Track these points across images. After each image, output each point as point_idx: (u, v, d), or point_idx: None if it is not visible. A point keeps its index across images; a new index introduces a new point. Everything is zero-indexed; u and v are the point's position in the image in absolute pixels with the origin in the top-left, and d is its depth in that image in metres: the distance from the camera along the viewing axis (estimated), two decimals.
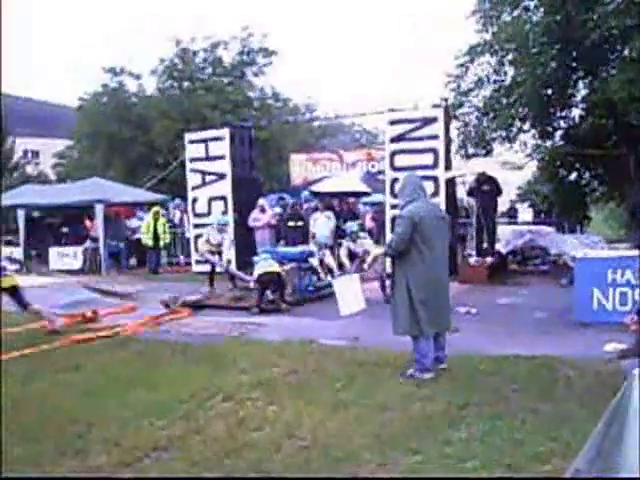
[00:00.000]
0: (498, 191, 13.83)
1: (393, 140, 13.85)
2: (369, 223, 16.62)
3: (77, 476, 4.14)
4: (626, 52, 13.13)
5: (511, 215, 22.13)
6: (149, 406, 5.44)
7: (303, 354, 7.10)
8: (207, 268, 13.59)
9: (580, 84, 16.20)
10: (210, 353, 7.36)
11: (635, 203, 15.35)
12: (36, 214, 20.22)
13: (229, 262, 12.95)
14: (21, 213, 19.11)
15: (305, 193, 16.18)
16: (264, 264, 10.69)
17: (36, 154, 48.71)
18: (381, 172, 17.19)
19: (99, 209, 17.81)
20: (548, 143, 18.06)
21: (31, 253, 19.23)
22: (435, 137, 13.37)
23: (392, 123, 13.94)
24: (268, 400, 5.48)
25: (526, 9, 15.93)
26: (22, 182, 29.69)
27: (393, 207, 13.31)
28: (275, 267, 10.63)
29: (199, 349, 7.61)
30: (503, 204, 19.70)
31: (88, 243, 18.43)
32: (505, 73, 17.22)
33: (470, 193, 14.29)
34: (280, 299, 10.55)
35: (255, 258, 11.33)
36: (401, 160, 13.51)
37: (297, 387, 5.86)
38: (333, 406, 5.26)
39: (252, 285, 10.89)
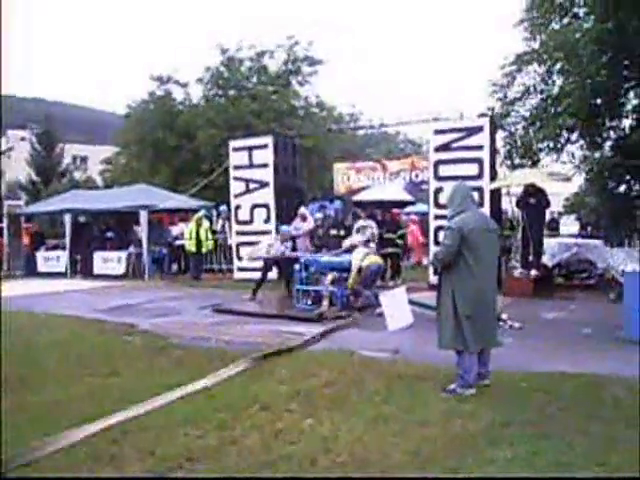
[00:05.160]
0: (546, 203, 13.52)
1: (437, 149, 13.72)
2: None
3: (77, 476, 4.10)
4: None
5: (552, 227, 21.67)
6: (185, 415, 5.39)
7: (342, 365, 6.99)
8: (254, 275, 13.49)
9: (631, 93, 15.84)
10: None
11: None
12: (82, 219, 20.52)
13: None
14: (67, 218, 19.43)
15: (337, 202, 16.09)
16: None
17: (84, 160, 49.58)
18: (425, 182, 17.04)
19: (143, 215, 18.00)
20: (597, 154, 17.70)
21: (76, 257, 19.50)
22: (480, 147, 13.21)
23: (437, 132, 13.81)
24: (305, 412, 5.39)
25: (576, 17, 15.69)
26: (71, 187, 30.27)
27: (437, 217, 13.17)
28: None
29: (238, 357, 7.55)
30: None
31: (132, 248, 18.63)
32: (553, 82, 16.96)
33: (518, 204, 14.03)
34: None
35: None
36: (445, 170, 13.38)
37: (335, 399, 5.75)
38: (372, 420, 5.14)
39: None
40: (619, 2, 13.15)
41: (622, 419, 5.02)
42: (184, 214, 20.63)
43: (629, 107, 16.23)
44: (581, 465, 4.16)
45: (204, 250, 17.46)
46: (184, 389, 6.08)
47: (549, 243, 14.85)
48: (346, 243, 12.14)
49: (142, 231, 18.13)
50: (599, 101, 15.48)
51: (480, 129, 13.33)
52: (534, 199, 13.12)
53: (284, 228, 13.53)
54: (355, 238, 12.32)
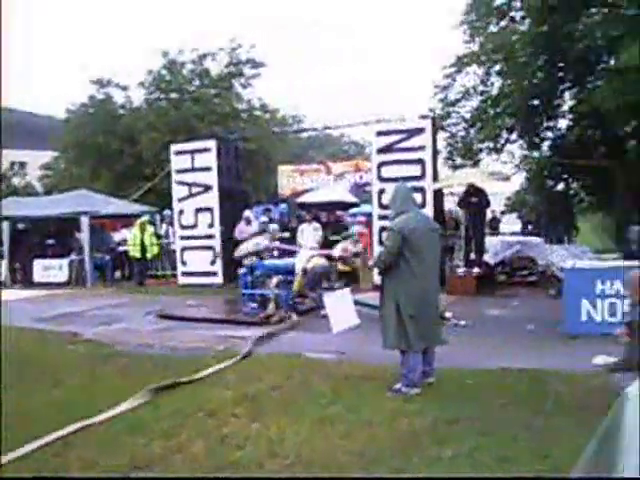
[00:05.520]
0: (486, 203, 13.76)
1: (380, 151, 13.80)
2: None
3: (77, 476, 4.07)
4: (612, 63, 13.15)
5: (494, 226, 22.02)
6: (130, 424, 5.29)
7: (289, 368, 6.97)
8: (199, 280, 13.23)
9: (567, 94, 16.26)
10: (194, 368, 7.21)
11: (622, 214, 15.35)
12: (21, 226, 19.98)
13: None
14: (6, 225, 18.89)
15: (282, 205, 16.04)
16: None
17: (22, 166, 48.31)
18: (369, 183, 17.13)
19: (85, 221, 17.63)
20: (535, 154, 18.11)
21: (15, 266, 18.98)
22: (422, 148, 13.32)
23: (379, 134, 13.89)
24: (252, 416, 5.35)
25: (513, 20, 16.00)
26: (9, 194, 29.44)
27: (381, 218, 13.25)
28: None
29: (183, 363, 7.46)
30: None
31: (74, 255, 18.22)
32: (492, 84, 17.29)
33: (460, 204, 14.25)
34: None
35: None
36: (388, 171, 13.46)
37: (282, 402, 5.73)
38: (318, 422, 5.14)
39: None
40: (553, 6, 13.46)
41: (563, 414, 5.13)
42: (127, 220, 20.28)
43: (565, 108, 16.64)
44: (525, 459, 4.23)
45: (149, 255, 17.20)
46: (128, 399, 5.96)
47: (491, 241, 15.10)
48: (337, 248, 12.15)
49: (84, 238, 17.75)
50: (537, 102, 15.84)
51: (421, 130, 13.44)
52: (475, 198, 13.34)
53: (274, 227, 13.34)
54: (346, 245, 12.39)
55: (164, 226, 18.94)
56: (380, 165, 13.79)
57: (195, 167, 16.06)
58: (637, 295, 5.02)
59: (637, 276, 5.13)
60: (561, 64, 14.91)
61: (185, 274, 16.23)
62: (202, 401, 5.82)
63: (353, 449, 4.54)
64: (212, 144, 16.10)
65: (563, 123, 17.15)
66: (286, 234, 14.07)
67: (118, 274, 19.05)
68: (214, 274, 15.71)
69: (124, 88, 30.50)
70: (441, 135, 17.13)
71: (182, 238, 16.39)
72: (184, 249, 16.26)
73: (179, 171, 16.37)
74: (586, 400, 5.28)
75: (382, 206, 13.31)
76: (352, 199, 19.96)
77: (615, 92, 11.76)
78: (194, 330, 9.92)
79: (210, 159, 15.89)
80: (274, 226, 13.45)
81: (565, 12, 13.53)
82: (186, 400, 5.90)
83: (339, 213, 18.33)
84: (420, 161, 13.31)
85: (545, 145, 17.89)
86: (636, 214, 14.18)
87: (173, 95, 29.63)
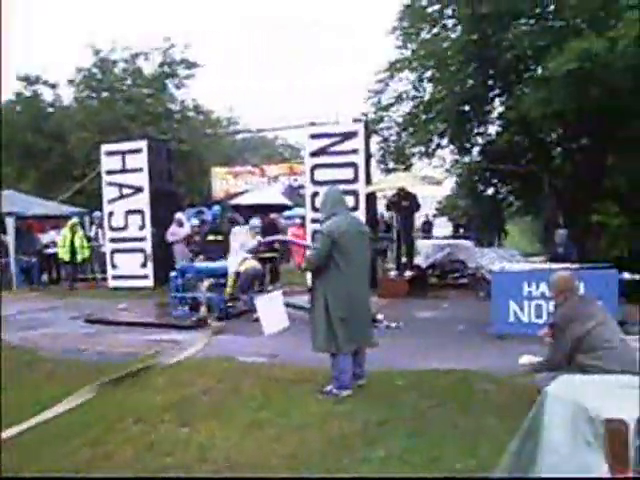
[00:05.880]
0: (416, 206, 13.96)
1: (313, 154, 13.81)
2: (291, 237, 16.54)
3: (77, 476, 4.00)
4: (539, 71, 13.50)
5: (426, 229, 22.40)
6: (55, 432, 5.15)
7: (220, 372, 6.90)
8: (129, 283, 13.03)
9: (497, 101, 16.59)
10: (122, 372, 7.06)
11: (549, 217, 15.79)
12: None
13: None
14: None
15: (215, 207, 15.85)
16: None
17: None
18: (303, 186, 17.16)
19: (10, 222, 17.07)
20: (466, 159, 18.42)
21: None
22: (355, 151, 13.39)
23: (313, 137, 13.89)
24: (181, 421, 5.28)
25: (444, 27, 16.23)
26: None
27: (314, 221, 13.26)
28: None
29: (112, 369, 7.29)
30: (419, 218, 19.83)
31: None
32: (424, 89, 17.49)
33: (388, 207, 14.40)
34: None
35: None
36: (321, 174, 13.48)
37: (212, 407, 5.68)
38: (249, 426, 5.10)
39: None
40: (483, 15, 13.74)
41: (490, 411, 5.24)
42: (55, 221, 19.72)
43: (495, 114, 16.99)
44: (453, 458, 4.29)
45: (80, 258, 16.73)
46: (55, 405, 5.80)
47: (424, 244, 15.33)
48: None
49: (9, 239, 17.16)
50: (467, 108, 16.12)
51: (354, 134, 13.51)
52: (406, 202, 13.51)
53: (254, 222, 12.96)
54: None
55: (94, 228, 18.47)
56: (313, 168, 13.80)
57: (126, 168, 15.74)
58: (558, 297, 5.15)
59: (560, 278, 5.27)
60: (491, 72, 15.21)
61: (116, 277, 15.90)
62: (131, 406, 5.71)
63: (284, 452, 4.52)
64: (144, 145, 15.80)
65: (493, 129, 17.51)
66: (220, 237, 13.87)
67: (45, 277, 18.50)
68: (145, 277, 15.45)
69: (53, 86, 29.70)
70: (374, 139, 17.28)
71: (112, 240, 16.05)
72: (114, 252, 15.94)
73: (109, 172, 16.02)
74: (512, 399, 5.40)
75: (315, 209, 13.32)
76: (285, 202, 19.98)
77: (542, 100, 12.07)
78: (125, 334, 9.72)
79: (141, 160, 15.59)
80: (255, 221, 13.09)
81: (495, 22, 13.84)
82: (114, 405, 5.78)
83: (273, 216, 18.29)
84: (353, 164, 13.37)
85: (475, 150, 18.22)
86: (562, 218, 14.61)
87: (104, 94, 29.00)
